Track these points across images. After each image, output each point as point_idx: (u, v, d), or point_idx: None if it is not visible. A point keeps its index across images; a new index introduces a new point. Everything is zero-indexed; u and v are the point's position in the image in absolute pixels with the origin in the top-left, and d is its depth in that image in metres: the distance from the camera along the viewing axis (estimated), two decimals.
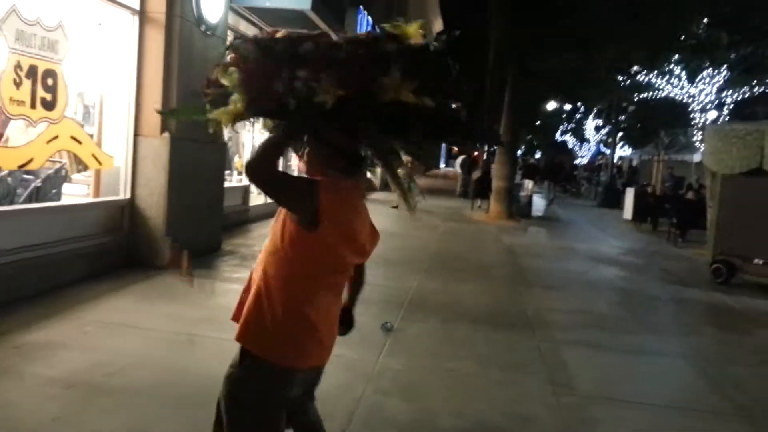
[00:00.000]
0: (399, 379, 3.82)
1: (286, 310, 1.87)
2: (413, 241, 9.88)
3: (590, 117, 31.70)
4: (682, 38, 14.08)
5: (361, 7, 12.49)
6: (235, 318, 1.99)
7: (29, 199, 5.41)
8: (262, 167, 1.78)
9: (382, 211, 14.57)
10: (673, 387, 4.33)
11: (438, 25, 31.65)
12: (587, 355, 4.75)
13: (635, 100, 20.56)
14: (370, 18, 13.07)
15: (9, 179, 5.34)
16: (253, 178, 1.78)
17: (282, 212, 1.92)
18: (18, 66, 4.59)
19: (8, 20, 4.49)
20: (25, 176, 5.47)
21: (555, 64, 14.40)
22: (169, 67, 6.03)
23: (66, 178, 5.86)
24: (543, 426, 3.39)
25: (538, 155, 43.77)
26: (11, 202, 5.27)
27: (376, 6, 17.13)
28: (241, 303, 2.01)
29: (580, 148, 36.08)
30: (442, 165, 55.13)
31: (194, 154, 6.39)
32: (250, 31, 9.29)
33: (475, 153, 25.93)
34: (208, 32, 6.60)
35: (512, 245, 10.41)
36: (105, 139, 5.99)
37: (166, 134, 5.94)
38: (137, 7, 5.94)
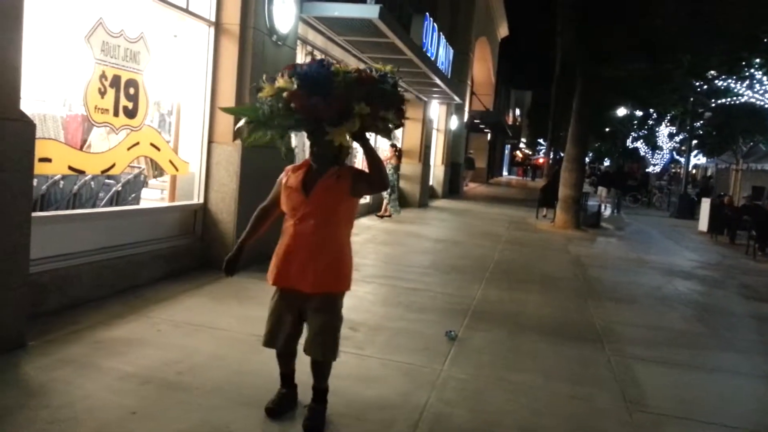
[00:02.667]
0: (464, 389, 3.77)
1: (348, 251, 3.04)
2: (475, 249, 9.78)
3: (663, 124, 30.48)
4: (766, 41, 13.34)
5: (427, 14, 12.50)
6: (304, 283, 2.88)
7: (110, 203, 5.68)
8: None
9: (436, 218, 14.52)
10: (753, 408, 4.08)
11: (503, 31, 31.28)
12: (661, 372, 4.55)
13: (712, 105, 19.64)
14: (435, 25, 13.05)
15: (92, 183, 5.63)
16: (386, 187, 2.95)
17: (324, 199, 2.88)
18: (103, 76, 4.84)
19: (95, 33, 4.75)
20: (107, 181, 5.76)
21: (626, 71, 13.95)
22: (242, 76, 6.22)
23: (144, 183, 6.13)
24: None
25: (607, 163, 42.48)
26: (94, 205, 5.55)
27: (441, 12, 17.12)
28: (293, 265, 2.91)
29: (653, 156, 34.72)
30: (505, 172, 54.40)
31: (264, 160, 6.55)
32: (318, 40, 9.48)
33: (540, 159, 25.42)
34: (279, 42, 6.77)
35: (580, 256, 10.13)
36: (181, 145, 6.23)
37: (238, 141, 6.12)
38: (213, 19, 6.17)
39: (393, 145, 11.96)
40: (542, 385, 3.96)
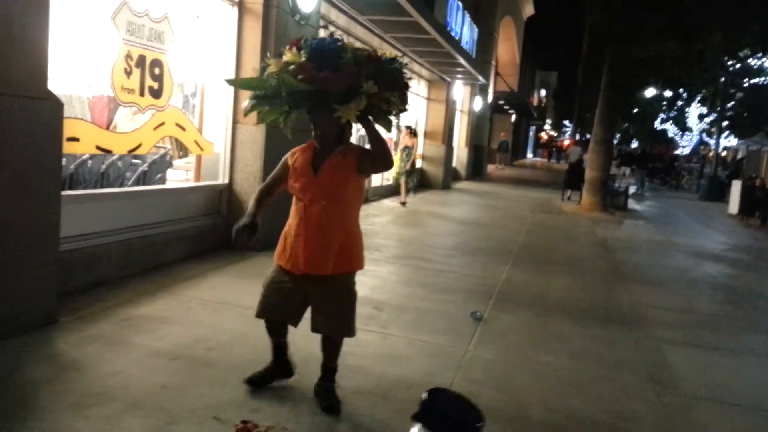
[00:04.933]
0: (490, 369, 3.75)
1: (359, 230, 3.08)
2: (501, 231, 9.70)
3: (693, 104, 29.78)
4: None
5: None
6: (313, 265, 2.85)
7: (137, 182, 5.74)
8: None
9: (459, 200, 14.44)
10: None
11: (529, 10, 30.71)
12: (691, 354, 4.48)
13: (744, 85, 19.10)
14: (460, 3, 12.85)
15: (119, 163, 5.69)
16: (390, 165, 2.89)
17: (333, 177, 2.85)
18: (128, 56, 4.86)
19: (120, 12, 4.76)
20: (134, 161, 5.82)
21: (657, 50, 13.60)
22: (265, 56, 6.18)
23: (170, 164, 6.17)
24: (644, 425, 3.22)
25: (634, 144, 41.76)
26: (121, 185, 5.62)
27: None
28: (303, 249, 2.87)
29: (681, 138, 34.04)
30: (530, 155, 53.80)
31: (288, 140, 6.54)
32: (340, 19, 9.40)
33: (566, 142, 25.10)
34: (301, 21, 6.72)
35: (606, 238, 9.99)
36: (205, 126, 6.25)
37: None
38: None
39: (408, 127, 11.63)
40: (570, 366, 3.92)
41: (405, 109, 2.97)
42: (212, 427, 2.69)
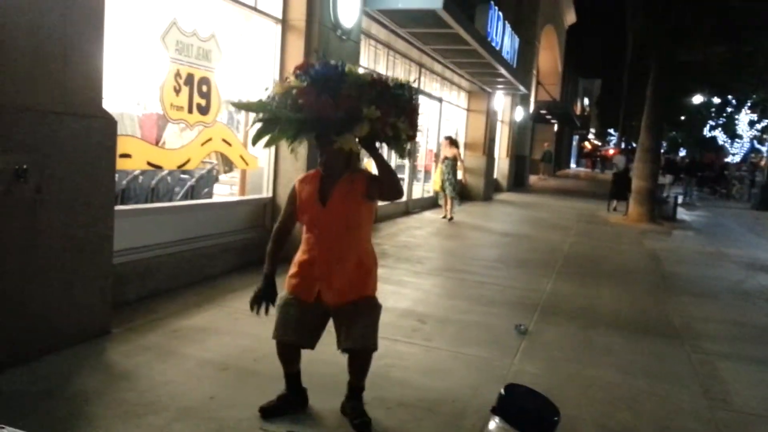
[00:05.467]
0: (536, 383, 3.63)
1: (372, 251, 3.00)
2: (544, 243, 9.56)
3: (743, 111, 28.84)
4: None
5: (491, 2, 12.27)
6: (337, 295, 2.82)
7: (185, 197, 5.90)
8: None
9: (501, 212, 14.30)
10: None
11: (570, 18, 30.38)
12: (745, 370, 4.32)
13: None
14: (500, 13, 12.80)
15: (168, 178, 5.87)
16: (400, 195, 2.84)
17: (342, 206, 2.78)
18: (177, 74, 5.02)
19: (170, 32, 4.92)
20: (182, 176, 5.99)
21: (705, 55, 13.25)
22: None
23: (216, 178, 6.33)
24: None
25: (682, 153, 40.66)
26: (170, 199, 5.78)
27: (506, 1, 16.79)
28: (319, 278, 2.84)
29: (731, 145, 32.95)
30: (573, 165, 52.92)
31: None
32: (381, 33, 9.49)
33: (610, 151, 24.64)
34: (343, 37, 6.82)
35: (655, 249, 9.73)
36: (250, 141, 6.38)
37: None
38: (280, 16, 6.28)
39: (448, 138, 11.12)
40: (619, 380, 3.83)
41: (414, 136, 2.88)
42: None
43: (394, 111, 2.67)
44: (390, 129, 2.67)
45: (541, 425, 2.01)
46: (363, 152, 2.85)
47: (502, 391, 2.06)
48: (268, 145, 2.78)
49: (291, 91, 2.64)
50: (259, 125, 2.75)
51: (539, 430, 2.01)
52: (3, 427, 0.65)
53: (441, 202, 11.19)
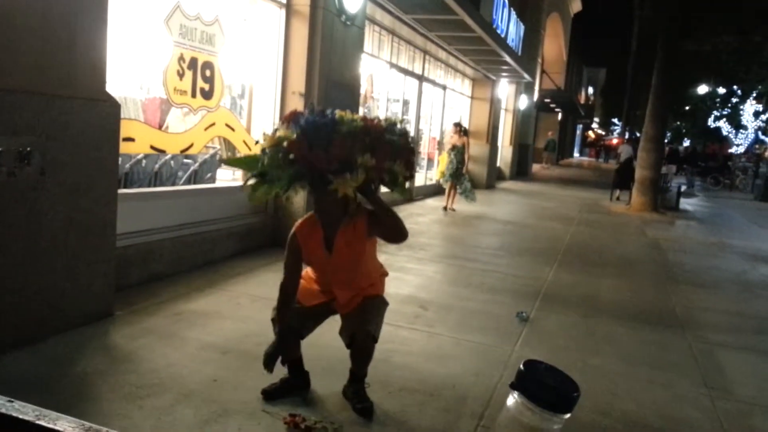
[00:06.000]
0: None
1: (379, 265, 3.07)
2: (546, 231, 9.56)
3: (748, 101, 28.67)
4: None
5: None
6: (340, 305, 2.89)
7: (188, 181, 5.90)
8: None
9: (504, 200, 14.28)
10: None
11: (576, 6, 30.14)
12: (747, 360, 4.33)
13: None
14: (506, 0, 12.72)
15: (172, 163, 5.86)
16: (404, 236, 2.80)
17: (348, 250, 2.79)
18: (181, 58, 4.99)
19: (173, 16, 4.89)
20: (185, 160, 5.98)
21: (711, 44, 13.15)
22: (312, 57, 6.27)
23: (219, 163, 6.32)
24: (697, 430, 3.13)
25: (686, 143, 40.50)
26: (173, 184, 5.78)
27: None
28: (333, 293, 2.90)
29: (736, 136, 32.80)
30: (576, 154, 52.76)
31: None
32: (386, 19, 9.42)
33: (614, 140, 24.55)
34: (347, 22, 6.77)
35: (657, 239, 9.72)
36: (253, 126, 6.37)
37: None
38: (284, 0, 6.24)
39: (456, 125, 10.53)
40: (620, 369, 3.84)
41: (412, 176, 2.83)
42: (262, 419, 2.75)
43: (389, 156, 2.61)
44: (386, 174, 2.64)
45: (560, 400, 2.02)
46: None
47: (522, 366, 2.07)
48: (262, 198, 2.72)
49: (281, 143, 2.55)
50: (252, 181, 2.68)
51: (558, 405, 2.02)
52: (12, 401, 0.66)
53: (446, 186, 10.57)
